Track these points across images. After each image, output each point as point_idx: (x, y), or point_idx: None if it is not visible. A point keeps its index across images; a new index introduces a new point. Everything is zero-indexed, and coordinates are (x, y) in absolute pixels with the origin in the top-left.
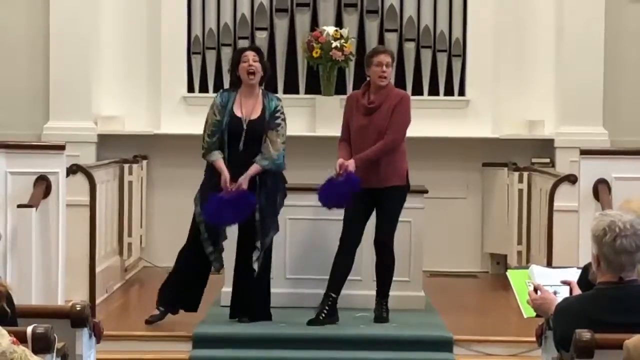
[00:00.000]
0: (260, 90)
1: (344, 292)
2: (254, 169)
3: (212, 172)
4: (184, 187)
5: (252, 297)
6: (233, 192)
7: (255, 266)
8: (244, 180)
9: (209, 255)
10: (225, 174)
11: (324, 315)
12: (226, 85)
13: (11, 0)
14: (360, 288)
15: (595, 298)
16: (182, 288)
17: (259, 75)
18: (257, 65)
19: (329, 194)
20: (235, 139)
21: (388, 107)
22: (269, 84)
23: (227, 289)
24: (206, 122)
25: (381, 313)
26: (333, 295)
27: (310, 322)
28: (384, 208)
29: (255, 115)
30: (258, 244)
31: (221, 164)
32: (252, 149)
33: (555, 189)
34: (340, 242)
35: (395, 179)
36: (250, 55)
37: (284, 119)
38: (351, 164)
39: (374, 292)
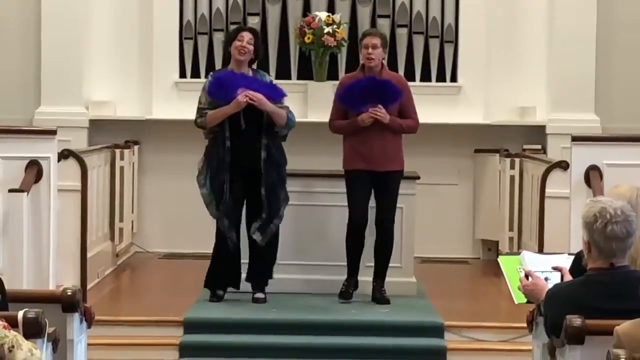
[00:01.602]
0: (250, 70)
1: (336, 277)
2: (276, 108)
3: (210, 153)
4: (175, 172)
5: (260, 267)
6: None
7: (256, 236)
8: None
9: (226, 232)
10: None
11: (351, 291)
12: None
13: None
14: None
15: (586, 284)
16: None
17: (249, 55)
18: (250, 47)
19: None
20: (236, 119)
21: None
22: (261, 69)
23: None
24: (199, 103)
25: (382, 295)
26: (355, 278)
27: (341, 296)
28: (387, 190)
29: None
30: (264, 214)
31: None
32: (254, 125)
33: (547, 175)
34: (348, 225)
35: (397, 163)
36: (247, 36)
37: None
38: (385, 112)
39: (366, 278)
